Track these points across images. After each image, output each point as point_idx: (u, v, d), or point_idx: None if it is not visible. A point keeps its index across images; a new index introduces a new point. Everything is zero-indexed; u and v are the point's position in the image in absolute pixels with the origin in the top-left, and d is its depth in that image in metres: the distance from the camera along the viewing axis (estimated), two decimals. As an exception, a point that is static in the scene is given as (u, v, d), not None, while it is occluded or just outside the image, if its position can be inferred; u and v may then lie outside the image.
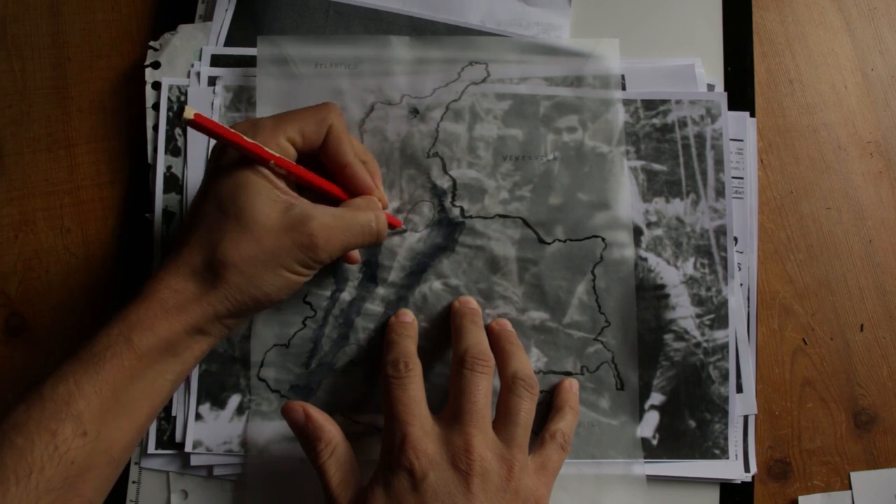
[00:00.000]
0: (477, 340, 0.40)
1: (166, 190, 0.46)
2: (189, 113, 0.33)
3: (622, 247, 0.45)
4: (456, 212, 0.45)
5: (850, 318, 0.48)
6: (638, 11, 0.49)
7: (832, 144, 0.49)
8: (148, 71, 0.47)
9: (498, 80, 0.46)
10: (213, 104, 0.46)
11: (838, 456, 0.47)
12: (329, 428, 0.38)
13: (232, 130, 0.35)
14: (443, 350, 0.45)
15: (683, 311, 0.45)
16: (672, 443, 0.45)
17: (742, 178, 0.47)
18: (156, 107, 0.47)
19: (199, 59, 0.47)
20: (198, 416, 0.44)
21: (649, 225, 0.46)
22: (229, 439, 0.44)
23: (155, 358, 0.35)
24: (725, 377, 0.45)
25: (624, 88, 0.47)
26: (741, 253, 0.47)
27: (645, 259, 0.45)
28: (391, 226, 0.44)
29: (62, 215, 0.47)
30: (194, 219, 0.37)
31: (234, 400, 0.44)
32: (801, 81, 0.50)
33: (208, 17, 0.48)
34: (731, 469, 0.45)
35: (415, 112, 0.46)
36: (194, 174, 0.46)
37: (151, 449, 0.44)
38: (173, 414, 0.44)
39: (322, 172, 0.40)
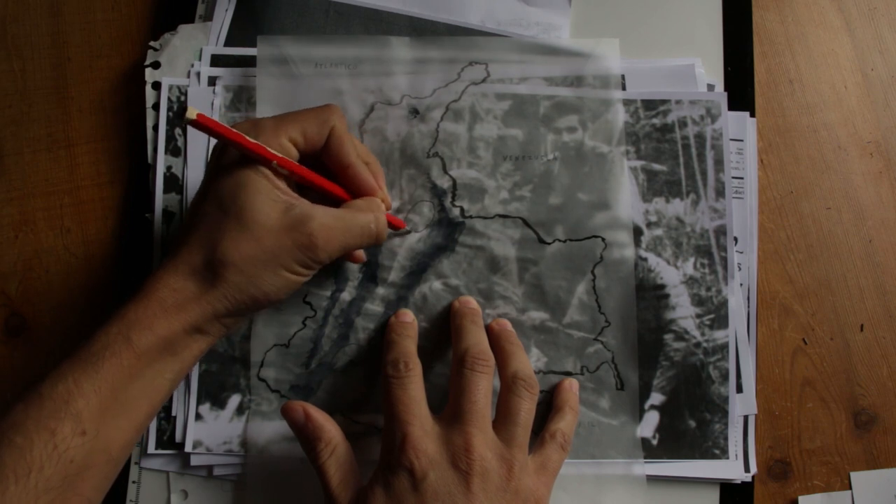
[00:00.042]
0: (477, 340, 0.40)
1: (166, 190, 0.46)
2: (192, 113, 0.33)
3: (622, 247, 0.45)
4: (456, 212, 0.45)
5: (850, 318, 0.48)
6: (638, 11, 0.49)
7: (832, 144, 0.49)
8: (148, 71, 0.47)
9: (498, 80, 0.46)
10: (213, 104, 0.46)
11: (838, 456, 0.47)
12: (329, 428, 0.38)
13: (234, 130, 0.35)
14: (443, 350, 0.45)
15: (683, 311, 0.45)
16: (672, 443, 0.45)
17: (742, 178, 0.47)
18: (156, 107, 0.47)
19: (199, 59, 0.47)
20: (198, 416, 0.44)
21: (649, 225, 0.46)
22: (229, 439, 0.44)
23: (154, 357, 0.35)
24: (725, 377, 0.45)
25: (624, 88, 0.47)
26: (741, 253, 0.47)
27: (645, 259, 0.45)
28: (395, 227, 0.44)
29: (62, 215, 0.47)
30: (194, 218, 0.37)
31: (234, 400, 0.44)
32: (801, 81, 0.50)
33: (208, 17, 0.48)
34: (731, 469, 0.45)
35: (415, 112, 0.46)
36: (194, 174, 0.46)
37: (151, 449, 0.44)
38: (173, 414, 0.44)
39: (324, 174, 0.40)
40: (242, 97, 0.46)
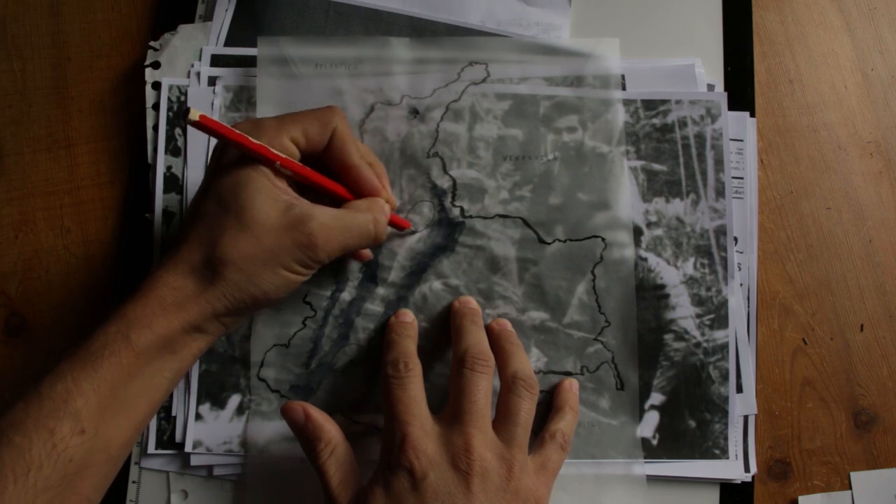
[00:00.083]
0: (477, 340, 0.40)
1: (166, 190, 0.46)
2: (195, 115, 0.33)
3: (622, 247, 0.45)
4: (456, 212, 0.45)
5: (850, 318, 0.48)
6: (638, 11, 0.49)
7: (832, 144, 0.49)
8: (148, 71, 0.47)
9: (498, 80, 0.46)
10: (213, 104, 0.46)
11: (838, 456, 0.47)
12: (329, 428, 0.38)
13: (237, 131, 0.35)
14: (443, 350, 0.45)
15: (683, 311, 0.45)
16: (672, 443, 0.45)
17: (742, 178, 0.47)
18: (156, 107, 0.47)
19: (199, 59, 0.47)
20: (198, 416, 0.44)
21: (649, 225, 0.46)
22: (229, 439, 0.44)
23: (153, 355, 0.35)
24: (725, 377, 0.45)
25: (624, 88, 0.47)
26: (741, 253, 0.47)
27: (645, 259, 0.45)
28: (400, 227, 0.44)
29: (62, 215, 0.47)
30: (194, 216, 0.37)
31: (234, 400, 0.44)
32: (801, 81, 0.50)
33: (208, 17, 0.48)
34: (731, 469, 0.45)
35: (415, 112, 0.46)
36: (194, 174, 0.46)
37: (151, 449, 0.44)
38: (173, 414, 0.44)
39: (326, 174, 0.40)
40: (242, 97, 0.46)
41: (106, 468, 0.34)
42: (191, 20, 0.48)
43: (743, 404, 0.45)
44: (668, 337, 0.45)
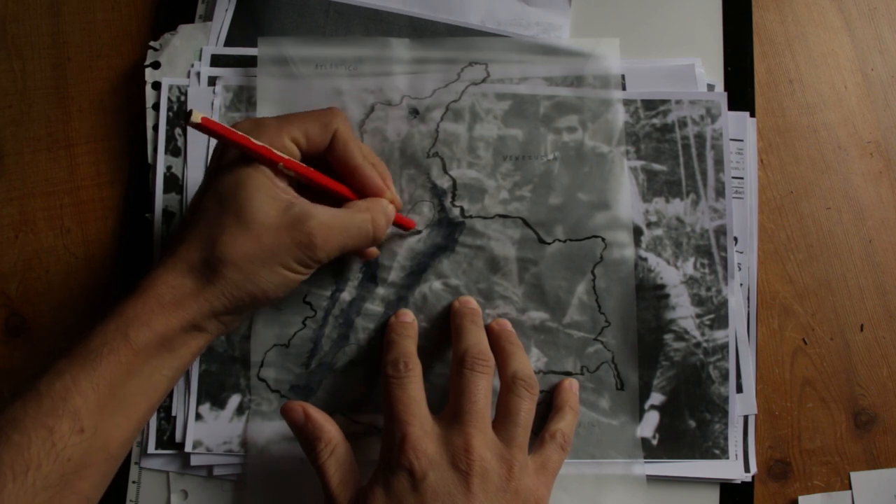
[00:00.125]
0: (477, 340, 0.40)
1: (166, 190, 0.46)
2: (196, 117, 0.33)
3: (622, 247, 0.45)
4: (456, 212, 0.45)
5: (850, 318, 0.48)
6: (638, 11, 0.49)
7: (832, 144, 0.49)
8: (148, 71, 0.47)
9: (498, 81, 0.46)
10: (213, 104, 0.46)
11: (838, 456, 0.47)
12: (329, 428, 0.38)
13: (239, 133, 0.35)
14: (443, 350, 0.45)
15: (683, 311, 0.45)
16: (672, 443, 0.45)
17: (742, 178, 0.47)
18: (156, 107, 0.47)
19: (199, 59, 0.47)
20: (198, 416, 0.44)
21: (649, 225, 0.46)
22: (229, 439, 0.44)
23: (151, 354, 0.35)
24: (725, 377, 0.45)
25: (624, 88, 0.47)
26: (741, 253, 0.47)
27: (645, 259, 0.45)
28: (405, 227, 0.44)
29: (62, 215, 0.47)
30: (194, 215, 0.37)
31: (234, 400, 0.44)
32: (801, 81, 0.50)
33: (208, 17, 0.48)
34: (731, 469, 0.45)
35: (415, 112, 0.46)
36: (194, 174, 0.46)
37: (151, 449, 0.44)
38: (173, 414, 0.44)
39: (328, 174, 0.40)
40: (242, 97, 0.46)
41: (105, 467, 0.34)
42: (191, 20, 0.48)
43: (743, 404, 0.45)
44: (668, 337, 0.45)
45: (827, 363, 0.47)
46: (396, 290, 0.45)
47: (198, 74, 0.47)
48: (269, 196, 0.36)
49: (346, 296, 0.45)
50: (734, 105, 0.47)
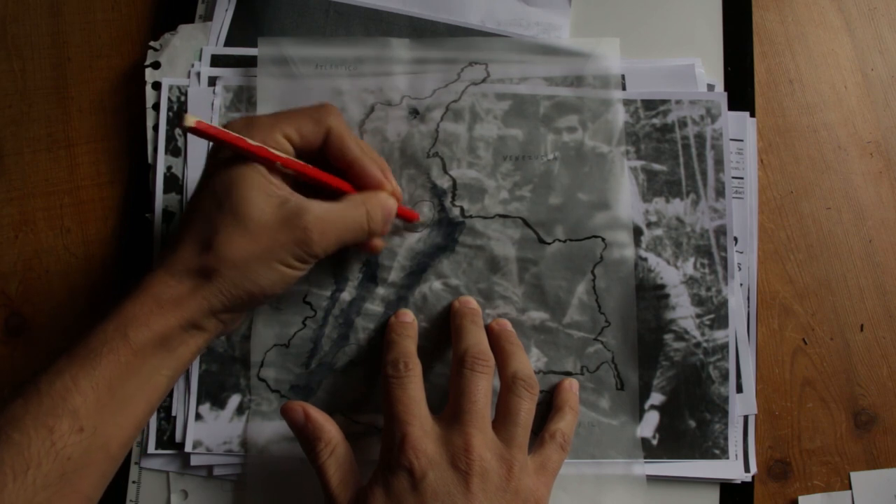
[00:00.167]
0: (477, 340, 0.40)
1: (166, 190, 0.46)
2: (190, 121, 0.33)
3: (622, 247, 0.45)
4: (456, 212, 0.45)
5: (850, 318, 0.48)
6: (638, 11, 0.49)
7: (832, 144, 0.49)
8: (148, 71, 0.47)
9: (498, 81, 0.46)
10: (213, 104, 0.46)
11: (838, 456, 0.47)
12: (329, 428, 0.38)
13: (234, 134, 0.35)
14: (443, 350, 0.45)
15: (683, 311, 0.45)
16: (672, 443, 0.45)
17: (742, 178, 0.47)
18: (156, 107, 0.47)
19: (199, 60, 0.47)
20: (198, 416, 0.44)
21: (649, 225, 0.46)
22: (229, 439, 0.44)
23: (151, 353, 0.35)
24: (725, 377, 0.45)
25: (624, 88, 0.47)
26: (741, 253, 0.47)
27: (645, 259, 0.45)
28: (408, 219, 0.44)
29: (62, 215, 0.47)
30: (190, 214, 0.37)
31: (234, 400, 0.44)
32: (801, 81, 0.50)
33: (208, 17, 0.48)
34: (731, 469, 0.45)
35: (415, 112, 0.46)
36: (194, 174, 0.46)
37: (151, 449, 0.44)
38: (173, 414, 0.44)
39: (329, 172, 0.40)
40: (242, 97, 0.46)
41: (105, 466, 0.34)
42: (191, 20, 0.48)
43: (743, 404, 0.45)
44: (668, 337, 0.45)
45: (827, 363, 0.47)
46: (396, 290, 0.45)
47: (198, 74, 0.47)
48: (264, 193, 0.36)
49: (346, 296, 0.45)
50: (734, 105, 0.47)
